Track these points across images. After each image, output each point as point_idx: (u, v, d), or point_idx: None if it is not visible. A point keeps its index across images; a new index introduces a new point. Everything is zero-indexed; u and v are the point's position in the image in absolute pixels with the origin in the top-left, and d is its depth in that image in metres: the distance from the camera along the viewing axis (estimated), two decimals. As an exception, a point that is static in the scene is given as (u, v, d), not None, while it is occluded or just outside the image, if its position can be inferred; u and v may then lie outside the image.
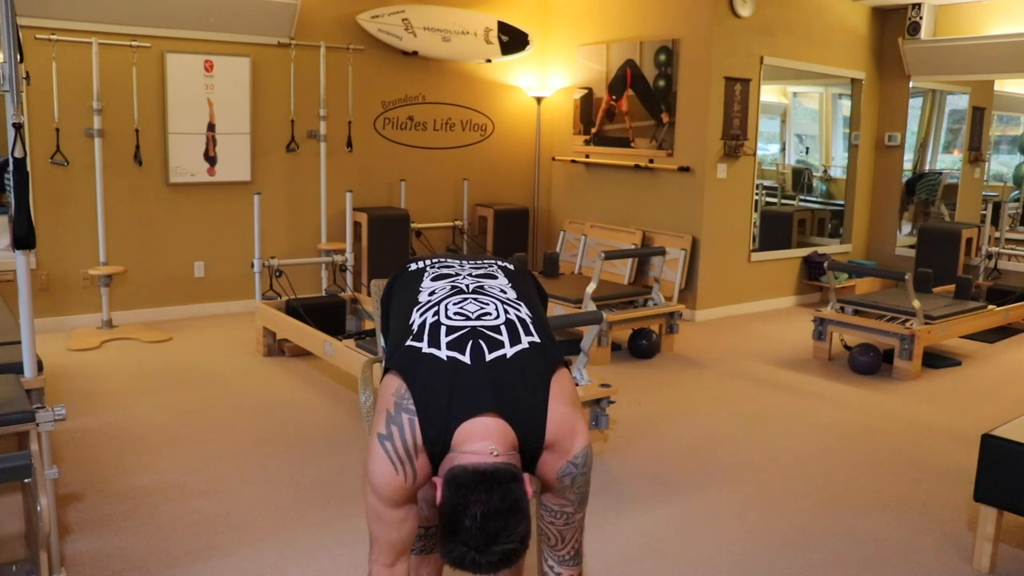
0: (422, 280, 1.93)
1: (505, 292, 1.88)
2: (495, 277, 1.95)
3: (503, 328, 1.75)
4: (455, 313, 1.78)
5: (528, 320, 1.80)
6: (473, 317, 1.77)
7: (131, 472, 3.40)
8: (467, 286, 1.89)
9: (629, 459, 3.68)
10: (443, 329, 1.74)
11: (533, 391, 1.69)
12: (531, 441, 1.67)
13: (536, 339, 1.76)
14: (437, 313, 1.78)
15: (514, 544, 1.54)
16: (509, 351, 1.71)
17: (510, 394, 1.66)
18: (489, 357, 1.69)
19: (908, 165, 7.82)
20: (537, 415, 1.68)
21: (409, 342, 1.74)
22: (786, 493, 3.40)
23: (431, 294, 1.86)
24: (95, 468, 3.42)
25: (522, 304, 1.85)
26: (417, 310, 1.82)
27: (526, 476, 1.63)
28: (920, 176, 8.15)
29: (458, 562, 1.55)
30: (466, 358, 1.69)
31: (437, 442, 1.64)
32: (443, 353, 1.69)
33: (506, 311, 1.80)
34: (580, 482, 1.73)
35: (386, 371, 1.76)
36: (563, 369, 1.76)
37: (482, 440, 1.62)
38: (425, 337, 1.73)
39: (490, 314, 1.78)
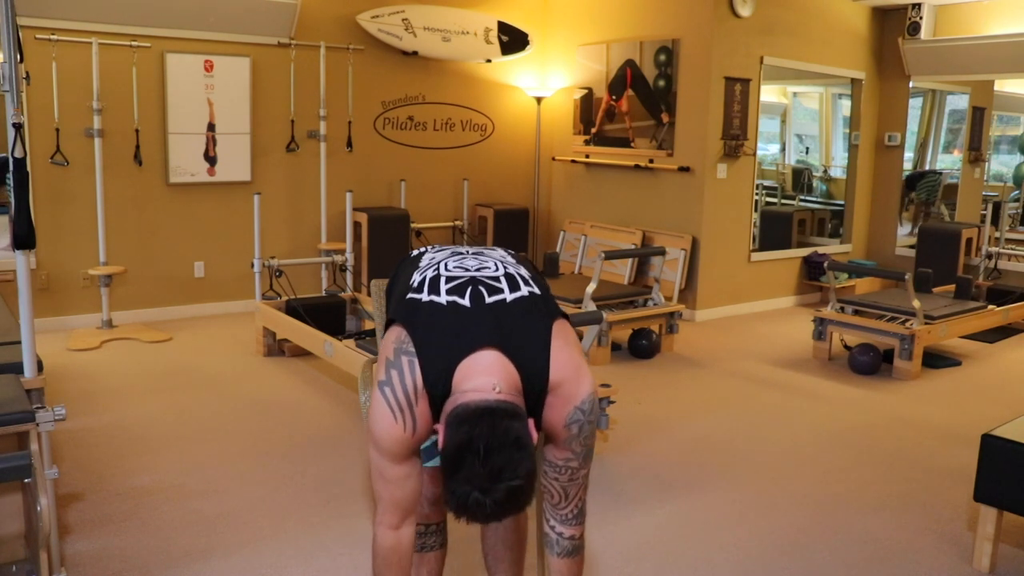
0: (422, 259, 1.95)
1: (504, 257, 1.89)
2: (495, 250, 1.98)
3: (503, 279, 1.76)
4: (454, 267, 1.80)
5: (528, 276, 1.81)
6: (472, 270, 1.78)
7: (131, 472, 3.40)
8: (467, 250, 1.91)
9: (629, 459, 3.68)
10: (443, 280, 1.75)
11: (535, 333, 1.68)
12: (535, 381, 1.65)
13: (536, 290, 1.77)
14: (437, 269, 1.80)
15: (519, 481, 1.49)
16: (509, 296, 1.72)
17: (511, 332, 1.65)
18: (489, 300, 1.70)
19: (908, 166, 7.82)
20: (540, 353, 1.66)
21: (409, 295, 1.75)
22: (786, 493, 3.40)
23: (431, 260, 1.87)
24: (95, 468, 3.42)
25: (521, 267, 1.86)
26: (417, 272, 1.83)
27: (530, 421, 1.58)
28: (921, 175, 8.15)
29: (462, 504, 1.50)
30: (465, 301, 1.69)
31: (438, 383, 1.62)
32: (443, 299, 1.70)
33: (505, 267, 1.81)
34: (587, 431, 1.71)
35: (387, 327, 1.77)
36: (564, 320, 1.76)
37: (484, 376, 1.60)
38: (425, 289, 1.74)
39: (489, 267, 1.80)
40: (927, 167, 8.32)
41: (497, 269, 1.79)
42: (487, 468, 1.47)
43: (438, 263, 1.82)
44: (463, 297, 1.70)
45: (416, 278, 1.80)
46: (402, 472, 1.70)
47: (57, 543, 2.48)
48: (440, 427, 1.57)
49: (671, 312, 5.41)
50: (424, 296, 1.72)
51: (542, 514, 1.85)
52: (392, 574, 1.77)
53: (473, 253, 1.89)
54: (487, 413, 1.51)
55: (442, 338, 1.64)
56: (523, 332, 1.67)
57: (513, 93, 7.45)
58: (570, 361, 1.69)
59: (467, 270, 1.77)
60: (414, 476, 1.72)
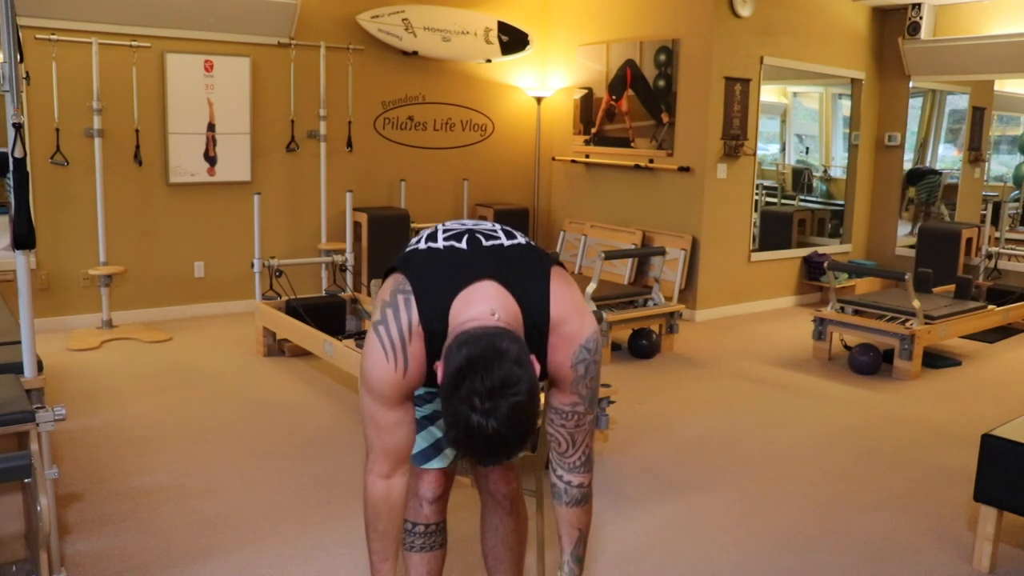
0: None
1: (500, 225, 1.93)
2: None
3: (499, 230, 1.79)
4: (451, 223, 1.84)
5: (523, 235, 1.84)
6: (468, 224, 1.82)
7: (131, 472, 3.40)
8: (464, 222, 1.94)
9: (629, 459, 3.68)
10: (440, 231, 1.78)
11: (534, 272, 1.68)
12: (535, 317, 1.64)
13: (532, 243, 1.80)
14: (434, 227, 1.83)
15: (521, 397, 1.44)
16: (506, 242, 1.74)
17: (509, 270, 1.65)
18: (486, 244, 1.71)
19: (908, 166, 7.81)
20: (540, 290, 1.66)
21: (407, 250, 1.78)
22: (786, 493, 3.40)
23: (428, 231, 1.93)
24: (95, 468, 3.42)
25: (517, 235, 1.88)
26: (415, 237, 1.88)
27: (532, 357, 1.54)
28: (921, 173, 8.14)
29: (463, 430, 1.44)
30: (463, 245, 1.71)
31: (435, 318, 1.61)
32: (440, 244, 1.72)
33: (501, 226, 1.84)
34: (593, 371, 1.70)
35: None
36: (562, 267, 1.76)
37: (482, 304, 1.59)
38: (422, 241, 1.77)
39: (486, 225, 1.83)
40: (927, 164, 8.31)
41: (493, 226, 1.83)
42: (487, 384, 1.43)
43: (435, 226, 1.86)
44: (460, 242, 1.71)
45: (414, 240, 1.84)
46: (393, 419, 1.68)
47: (57, 543, 2.48)
48: (439, 364, 1.54)
49: (671, 312, 5.41)
50: (422, 246, 1.74)
51: (549, 464, 1.83)
52: (383, 524, 1.77)
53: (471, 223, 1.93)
54: (485, 335, 1.49)
55: (439, 276, 1.64)
56: (521, 271, 1.67)
57: (513, 93, 7.45)
58: (571, 299, 1.69)
59: (464, 224, 1.81)
60: (406, 424, 1.70)
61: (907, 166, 7.78)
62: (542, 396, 1.74)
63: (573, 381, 1.69)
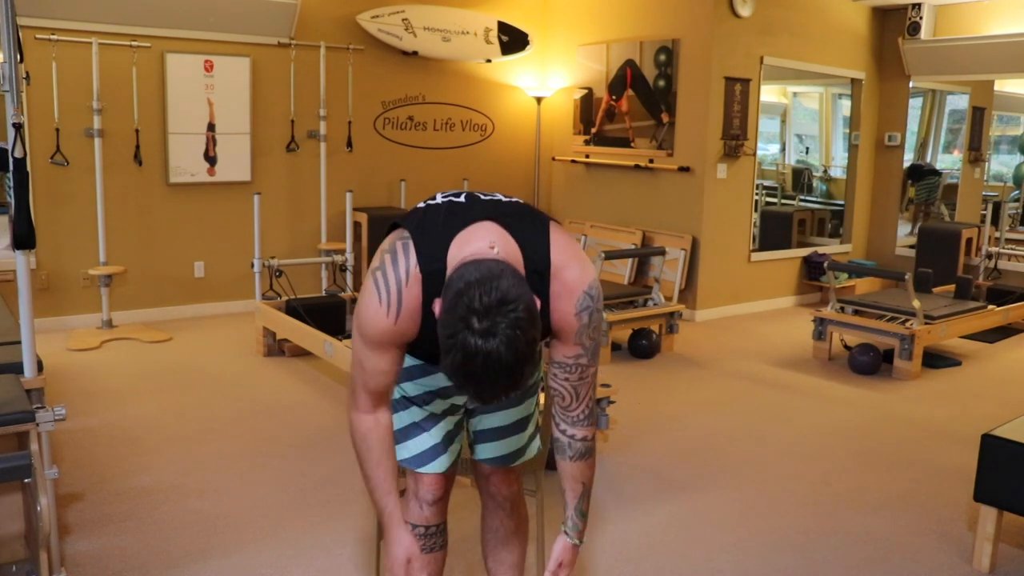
0: None
1: None
2: None
3: (496, 193, 1.80)
4: (450, 190, 1.85)
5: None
6: (466, 190, 1.83)
7: (131, 472, 3.40)
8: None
9: (629, 459, 3.69)
10: (439, 194, 1.78)
11: (533, 222, 1.68)
12: (535, 260, 1.63)
13: (531, 205, 1.80)
14: (433, 196, 1.84)
15: (520, 313, 1.41)
16: (503, 199, 1.74)
17: (509, 218, 1.66)
18: (484, 198, 1.72)
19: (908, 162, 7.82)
20: (540, 238, 1.65)
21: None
22: (786, 493, 3.40)
23: None
24: (95, 468, 3.42)
25: (514, 198, 1.89)
26: None
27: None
28: (922, 173, 8.14)
29: (459, 352, 1.41)
30: (461, 199, 1.71)
31: (433, 259, 1.60)
32: (438, 200, 1.72)
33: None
34: (596, 319, 1.69)
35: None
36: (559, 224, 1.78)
37: (481, 240, 1.59)
38: (422, 203, 1.78)
39: (484, 192, 1.84)
40: (927, 161, 8.32)
41: (492, 194, 1.84)
42: (485, 302, 1.40)
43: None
44: (458, 198, 1.72)
45: None
46: (380, 365, 1.68)
47: (57, 543, 2.48)
48: (438, 300, 1.52)
49: (671, 312, 5.41)
50: (420, 205, 1.76)
51: (552, 419, 1.82)
52: (376, 453, 1.77)
53: None
54: (485, 262, 1.49)
55: (438, 223, 1.65)
56: (521, 221, 1.68)
57: (513, 93, 7.45)
58: (571, 247, 1.69)
59: (463, 190, 1.82)
60: (391, 372, 1.71)
61: (908, 162, 7.77)
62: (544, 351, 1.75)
63: (577, 331, 1.68)
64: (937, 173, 8.29)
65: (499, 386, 1.45)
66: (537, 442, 2.11)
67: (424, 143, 7.01)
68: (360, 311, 1.65)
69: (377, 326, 1.63)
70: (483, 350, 1.40)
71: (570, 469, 1.81)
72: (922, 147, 8.28)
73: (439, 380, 1.90)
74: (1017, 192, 8.33)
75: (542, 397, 2.18)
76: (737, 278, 6.72)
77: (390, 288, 1.61)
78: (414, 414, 1.95)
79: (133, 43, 5.56)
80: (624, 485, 3.41)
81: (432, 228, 1.64)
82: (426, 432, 1.97)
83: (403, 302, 1.61)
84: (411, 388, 1.92)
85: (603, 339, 5.14)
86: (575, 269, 1.67)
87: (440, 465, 1.98)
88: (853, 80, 7.43)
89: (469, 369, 1.42)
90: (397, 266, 1.62)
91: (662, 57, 6.54)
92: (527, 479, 2.36)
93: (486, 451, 2.03)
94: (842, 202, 7.84)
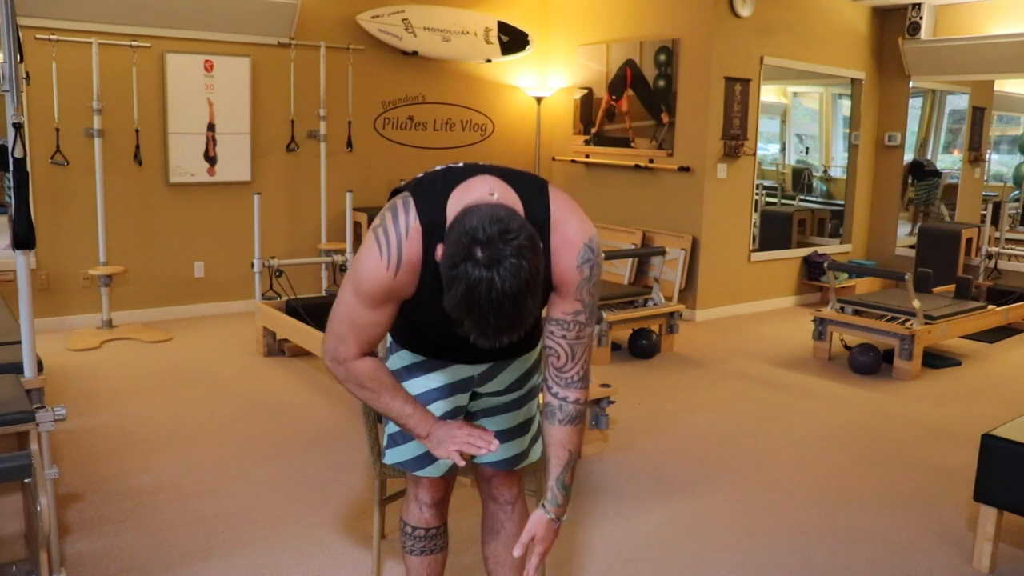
0: None
1: None
2: None
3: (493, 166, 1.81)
4: None
5: None
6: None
7: (131, 472, 3.40)
8: None
9: (629, 459, 3.69)
10: (437, 166, 1.79)
11: (532, 183, 1.69)
12: (536, 214, 1.63)
13: None
14: None
15: (522, 240, 1.42)
16: (502, 167, 1.75)
17: (508, 175, 1.67)
18: (483, 164, 1.73)
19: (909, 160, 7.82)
20: (539, 196, 1.66)
21: None
22: (786, 493, 3.40)
23: None
24: (95, 468, 3.42)
25: None
26: None
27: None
28: (923, 171, 8.14)
29: (463, 285, 1.41)
30: (459, 165, 1.71)
31: (433, 210, 1.60)
32: (438, 168, 1.74)
33: None
34: (597, 273, 1.70)
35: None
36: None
37: (480, 189, 1.59)
38: (423, 173, 1.78)
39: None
40: (927, 158, 8.32)
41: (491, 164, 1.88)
42: (487, 233, 1.41)
43: None
44: (457, 164, 1.73)
45: None
46: (374, 318, 1.67)
47: (57, 543, 2.48)
48: (441, 245, 1.52)
49: (671, 312, 5.41)
50: (421, 174, 1.76)
51: (544, 382, 1.81)
52: (390, 385, 1.76)
53: None
54: (485, 204, 1.50)
55: (436, 181, 1.66)
56: (520, 176, 1.69)
57: (513, 93, 7.45)
58: (569, 202, 1.71)
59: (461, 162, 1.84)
60: (382, 326, 1.70)
61: (908, 160, 7.77)
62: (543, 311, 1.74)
63: (578, 285, 1.67)
64: (937, 173, 8.29)
65: (502, 319, 1.44)
66: (539, 445, 2.10)
67: (424, 143, 7.01)
68: (359, 265, 1.64)
69: (375, 279, 1.62)
70: (486, 278, 1.40)
71: (558, 434, 1.77)
72: (922, 147, 8.28)
73: (442, 378, 1.90)
74: (1017, 192, 8.34)
75: (542, 398, 2.18)
76: (737, 278, 6.72)
77: (390, 242, 1.60)
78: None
79: (133, 43, 5.56)
80: (624, 485, 3.41)
81: (431, 185, 1.65)
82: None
83: (403, 255, 1.60)
84: (412, 388, 1.92)
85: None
86: (575, 222, 1.68)
87: (440, 468, 1.97)
88: (853, 80, 7.43)
89: (471, 298, 1.42)
90: (397, 221, 1.61)
91: (662, 57, 6.54)
92: (528, 480, 2.35)
93: (488, 455, 2.02)
94: (842, 202, 7.84)
